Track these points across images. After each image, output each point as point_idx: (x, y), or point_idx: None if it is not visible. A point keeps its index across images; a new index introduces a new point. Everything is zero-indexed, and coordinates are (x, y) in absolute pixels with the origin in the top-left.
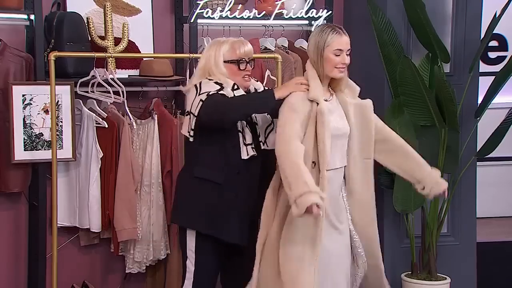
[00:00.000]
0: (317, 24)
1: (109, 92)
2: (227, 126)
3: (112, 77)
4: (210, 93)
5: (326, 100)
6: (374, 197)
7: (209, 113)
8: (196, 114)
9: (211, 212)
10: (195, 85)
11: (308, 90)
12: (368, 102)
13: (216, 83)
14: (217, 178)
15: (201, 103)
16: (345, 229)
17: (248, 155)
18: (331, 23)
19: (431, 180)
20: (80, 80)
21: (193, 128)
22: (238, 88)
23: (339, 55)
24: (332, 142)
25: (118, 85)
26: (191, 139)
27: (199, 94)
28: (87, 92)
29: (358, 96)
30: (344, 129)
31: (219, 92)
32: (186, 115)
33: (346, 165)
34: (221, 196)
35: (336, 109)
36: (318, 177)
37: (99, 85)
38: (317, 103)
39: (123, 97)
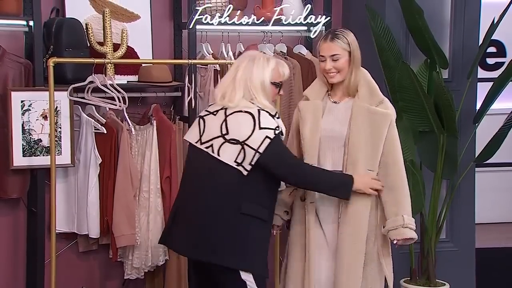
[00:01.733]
0: (315, 30)
1: (111, 98)
2: (291, 185)
3: (112, 83)
4: (276, 133)
5: (335, 102)
6: (376, 219)
7: (288, 173)
8: (261, 152)
9: (263, 250)
10: (251, 113)
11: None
12: (385, 113)
13: (270, 115)
14: (264, 215)
15: (268, 141)
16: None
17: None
18: (330, 29)
19: (393, 223)
20: (73, 86)
21: (253, 164)
22: (279, 117)
23: (323, 61)
24: (322, 142)
25: (119, 91)
26: (245, 173)
27: (261, 128)
28: (82, 98)
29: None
30: (338, 132)
31: (280, 131)
32: (234, 143)
33: (342, 171)
34: (266, 233)
35: (338, 112)
36: None
37: (99, 91)
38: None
39: (125, 103)
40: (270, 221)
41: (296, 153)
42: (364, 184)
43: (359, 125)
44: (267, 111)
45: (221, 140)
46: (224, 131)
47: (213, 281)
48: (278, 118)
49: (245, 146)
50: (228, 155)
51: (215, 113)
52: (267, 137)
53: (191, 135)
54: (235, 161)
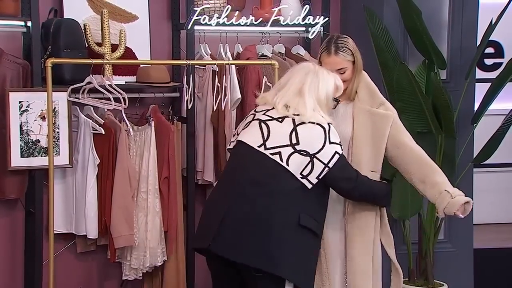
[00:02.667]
0: (313, 31)
1: (107, 99)
2: (349, 198)
3: (110, 83)
4: (341, 152)
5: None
6: (378, 216)
7: (353, 188)
8: (330, 166)
9: (313, 265)
10: (323, 127)
11: None
12: (386, 114)
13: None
14: (317, 229)
15: (337, 156)
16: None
17: None
18: (328, 29)
19: (442, 202)
20: (72, 87)
21: (320, 178)
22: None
23: None
24: None
25: (119, 92)
26: (309, 186)
27: (331, 143)
28: (82, 98)
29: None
30: (342, 134)
31: (343, 148)
32: (303, 155)
33: None
34: (318, 248)
35: (338, 114)
36: None
37: (97, 91)
38: None
39: (125, 103)
40: (321, 236)
41: None
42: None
43: (362, 127)
44: (331, 125)
45: (290, 149)
46: (294, 141)
47: (249, 285)
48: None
49: (314, 159)
50: (296, 165)
51: (280, 120)
52: (336, 152)
53: (251, 138)
54: (301, 173)
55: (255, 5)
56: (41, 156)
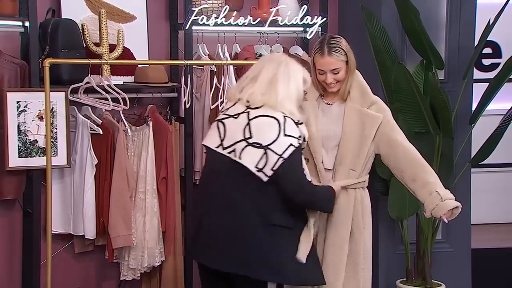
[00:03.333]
0: (311, 31)
1: (105, 99)
2: (294, 200)
3: (109, 83)
4: (299, 143)
5: (328, 104)
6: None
7: (297, 191)
8: (285, 157)
9: (294, 260)
10: (276, 119)
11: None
12: (375, 116)
13: (294, 122)
14: (290, 223)
15: (292, 148)
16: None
17: None
18: (326, 30)
19: (431, 202)
20: (72, 86)
21: (275, 169)
22: (302, 123)
23: (322, 74)
24: (323, 142)
25: (117, 92)
26: (265, 179)
27: (286, 135)
28: (78, 98)
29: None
30: (333, 133)
31: (301, 141)
32: (257, 147)
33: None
34: (295, 240)
35: (332, 113)
36: (316, 171)
37: (95, 91)
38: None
39: (125, 104)
40: (297, 227)
41: None
42: (338, 194)
43: (351, 126)
44: (291, 119)
45: (243, 143)
46: (247, 135)
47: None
48: (301, 124)
49: (268, 151)
50: (250, 158)
51: (236, 116)
52: (291, 144)
53: (210, 140)
54: (256, 167)
55: (253, 5)
56: (39, 156)
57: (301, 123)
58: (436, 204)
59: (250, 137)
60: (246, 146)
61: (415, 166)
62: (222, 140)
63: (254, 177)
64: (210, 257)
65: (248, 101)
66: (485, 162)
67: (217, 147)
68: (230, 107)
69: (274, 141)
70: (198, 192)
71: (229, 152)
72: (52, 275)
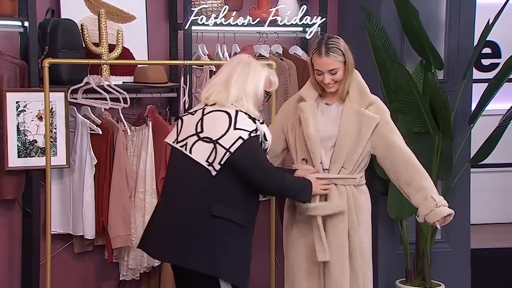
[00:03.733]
0: (311, 31)
1: (104, 99)
2: (260, 190)
3: (109, 83)
4: (251, 136)
5: (327, 104)
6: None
7: (258, 177)
8: (232, 151)
9: (241, 258)
10: (228, 113)
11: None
12: (373, 117)
13: (250, 117)
14: (239, 219)
15: (240, 141)
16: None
17: (263, 197)
18: (325, 29)
19: (426, 208)
20: (72, 88)
21: (222, 163)
22: (263, 122)
23: (320, 75)
24: (322, 142)
25: (118, 91)
26: (213, 173)
27: (236, 129)
28: (76, 99)
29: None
30: (331, 133)
31: (256, 134)
32: (207, 142)
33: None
34: (245, 239)
35: (331, 114)
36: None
37: (94, 92)
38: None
39: (126, 103)
40: (249, 227)
41: (280, 148)
42: (316, 186)
43: (347, 127)
44: (245, 113)
45: (195, 138)
46: (199, 129)
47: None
48: (262, 123)
49: (217, 145)
50: (200, 153)
51: (193, 113)
52: (240, 137)
53: (170, 136)
54: (207, 161)
55: (252, 5)
56: (38, 156)
57: (262, 122)
58: (430, 209)
59: (201, 131)
60: (197, 140)
61: (411, 170)
62: (177, 135)
63: (203, 169)
64: (153, 247)
65: (206, 99)
66: (484, 162)
67: (173, 142)
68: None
69: (223, 135)
70: (161, 189)
71: (181, 146)
72: (51, 275)
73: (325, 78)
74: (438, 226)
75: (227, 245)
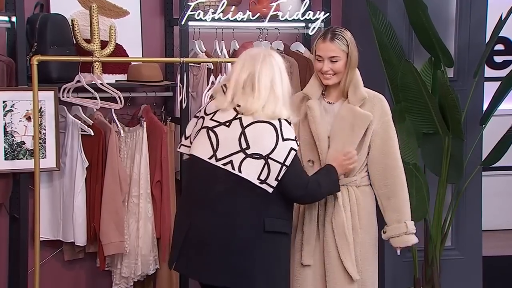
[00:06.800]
0: (313, 27)
1: (95, 98)
2: (299, 202)
3: (101, 82)
4: (296, 148)
5: (330, 103)
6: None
7: (304, 195)
8: (288, 165)
9: (287, 268)
10: (272, 124)
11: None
12: (365, 115)
13: (288, 123)
14: (287, 228)
15: (294, 152)
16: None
17: None
18: (329, 25)
19: (396, 230)
20: (62, 86)
21: (279, 179)
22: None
23: (320, 61)
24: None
25: (113, 91)
26: (270, 190)
27: (284, 140)
28: (68, 97)
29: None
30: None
31: (298, 144)
32: (256, 158)
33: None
34: (289, 245)
35: (333, 112)
36: None
37: (86, 90)
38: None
39: (121, 103)
40: (291, 230)
41: None
42: (341, 166)
43: (341, 126)
44: (286, 120)
45: (241, 155)
46: (244, 145)
47: None
48: (290, 123)
49: (269, 160)
50: (251, 171)
51: (227, 124)
52: (292, 148)
53: (201, 150)
54: (259, 179)
55: None
56: (27, 158)
57: (290, 122)
58: (399, 234)
59: (248, 147)
60: (245, 157)
61: (398, 185)
62: (215, 151)
63: (256, 188)
64: (206, 273)
65: (235, 104)
66: (496, 164)
67: (209, 158)
68: (216, 112)
69: (274, 149)
70: (184, 203)
71: (224, 164)
72: (40, 284)
73: (324, 66)
74: (398, 252)
75: (281, 258)
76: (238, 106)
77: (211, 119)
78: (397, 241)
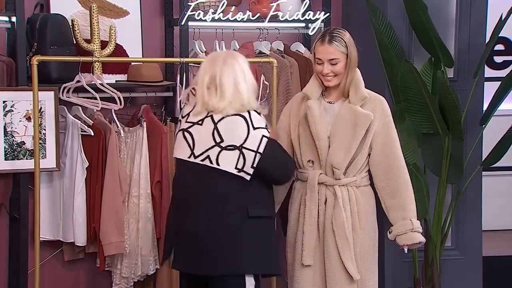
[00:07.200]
0: (314, 27)
1: (95, 98)
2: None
3: (101, 82)
4: (268, 136)
5: (330, 102)
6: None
7: (282, 174)
8: (261, 152)
9: (273, 249)
10: (242, 116)
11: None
12: (366, 114)
13: (258, 113)
14: (268, 210)
15: (265, 140)
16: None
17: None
18: (329, 25)
19: (401, 228)
20: (62, 86)
21: (255, 166)
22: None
23: (320, 64)
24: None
25: (112, 91)
26: (248, 178)
27: (255, 129)
28: (69, 97)
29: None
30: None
31: (269, 131)
32: (231, 149)
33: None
34: (273, 228)
35: (335, 112)
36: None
37: (86, 90)
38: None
39: (120, 103)
40: (274, 214)
41: (289, 150)
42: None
43: (342, 126)
44: (255, 111)
45: (217, 149)
46: (218, 139)
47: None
48: (259, 114)
49: (243, 150)
50: (228, 162)
51: (200, 122)
52: (263, 136)
53: (181, 151)
54: (236, 168)
55: None
56: (27, 159)
57: (259, 113)
58: (405, 232)
59: (222, 141)
60: (221, 150)
61: (401, 184)
62: (192, 150)
63: (236, 178)
64: (196, 264)
65: (207, 105)
66: (496, 165)
67: (189, 157)
68: (190, 113)
69: (246, 139)
70: (174, 201)
71: (202, 160)
72: (40, 284)
73: (324, 68)
74: (405, 250)
75: (267, 239)
76: (207, 105)
77: (186, 121)
78: (403, 238)
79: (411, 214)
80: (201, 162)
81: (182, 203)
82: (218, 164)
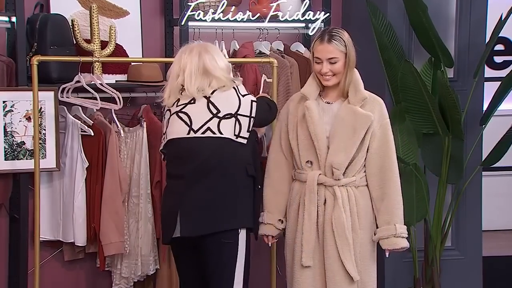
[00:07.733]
0: (313, 27)
1: (95, 98)
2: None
3: (101, 82)
4: (254, 99)
5: (328, 103)
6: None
7: (271, 118)
8: (254, 115)
9: (255, 206)
10: (231, 87)
11: None
12: (366, 115)
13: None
14: (255, 172)
15: (254, 103)
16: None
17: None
18: (329, 25)
19: (385, 232)
20: (62, 86)
21: (250, 130)
22: None
23: (319, 63)
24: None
25: (112, 91)
26: (244, 142)
27: (243, 96)
28: (68, 98)
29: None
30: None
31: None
32: (228, 118)
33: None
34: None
35: (332, 112)
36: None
37: (86, 91)
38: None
39: (120, 103)
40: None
41: (291, 156)
42: None
43: (341, 126)
44: (233, 81)
45: (216, 120)
46: (214, 111)
47: (204, 252)
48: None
49: (238, 117)
50: (228, 130)
51: (192, 101)
52: (251, 100)
53: (177, 131)
54: (235, 135)
55: None
56: (27, 159)
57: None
58: (388, 236)
59: (218, 111)
60: (220, 120)
61: (391, 188)
62: (190, 126)
63: (234, 143)
64: (199, 226)
65: (200, 90)
66: (496, 165)
67: (188, 133)
68: (178, 100)
69: (239, 106)
70: (170, 185)
71: (203, 132)
72: (40, 284)
73: (323, 67)
74: (387, 254)
75: (254, 196)
76: (201, 90)
77: (176, 106)
78: (386, 243)
79: (396, 219)
80: (202, 135)
81: (183, 179)
82: (221, 133)
